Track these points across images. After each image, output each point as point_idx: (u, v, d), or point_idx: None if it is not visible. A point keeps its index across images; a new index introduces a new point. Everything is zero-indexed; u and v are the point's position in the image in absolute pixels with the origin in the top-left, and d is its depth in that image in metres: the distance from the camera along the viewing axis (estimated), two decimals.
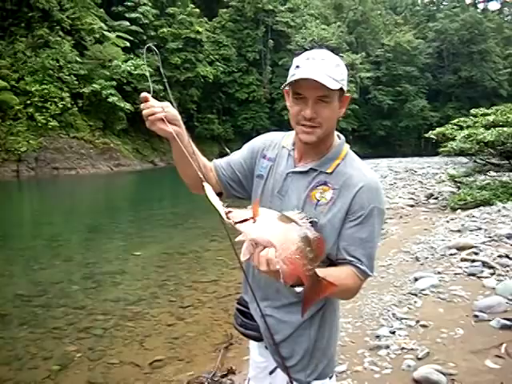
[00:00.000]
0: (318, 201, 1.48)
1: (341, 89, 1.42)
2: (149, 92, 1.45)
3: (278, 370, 1.62)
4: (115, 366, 3.99)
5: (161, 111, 1.42)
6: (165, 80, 1.55)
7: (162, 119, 1.42)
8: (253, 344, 1.75)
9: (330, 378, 1.62)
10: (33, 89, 27.67)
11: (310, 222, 1.36)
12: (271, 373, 1.66)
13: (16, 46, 28.81)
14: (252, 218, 1.27)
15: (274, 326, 1.57)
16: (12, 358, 4.13)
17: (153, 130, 1.45)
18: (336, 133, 1.58)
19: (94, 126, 31.62)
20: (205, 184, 1.40)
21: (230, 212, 1.30)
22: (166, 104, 1.45)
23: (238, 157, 1.71)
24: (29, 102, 27.62)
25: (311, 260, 1.24)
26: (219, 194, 1.49)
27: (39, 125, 27.31)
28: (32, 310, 5.34)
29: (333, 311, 1.61)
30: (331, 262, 1.47)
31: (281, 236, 1.24)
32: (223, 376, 3.65)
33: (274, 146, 1.66)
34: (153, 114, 1.42)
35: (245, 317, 1.69)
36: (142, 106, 1.43)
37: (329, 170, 1.50)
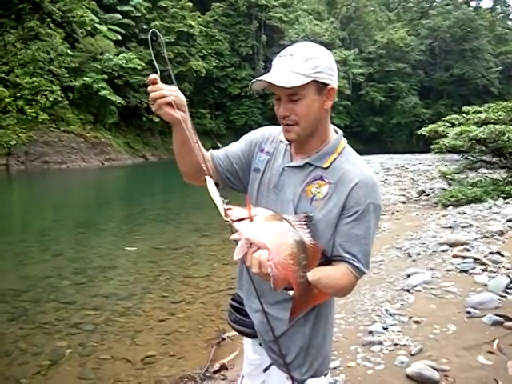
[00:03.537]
0: (314, 196, 1.44)
1: (315, 81, 1.36)
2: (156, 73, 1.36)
3: (273, 367, 1.60)
4: (106, 361, 3.95)
5: (170, 95, 1.36)
6: (169, 67, 1.47)
7: (170, 103, 1.36)
8: (247, 341, 1.72)
9: (325, 375, 1.60)
10: (23, 81, 27.40)
11: (306, 217, 1.34)
12: (265, 370, 1.64)
13: (6, 38, 28.51)
14: (250, 217, 1.25)
15: (270, 323, 1.55)
16: (1, 354, 4.07)
17: (158, 114, 1.38)
18: (333, 127, 1.55)
19: (85, 120, 31.40)
20: (207, 178, 1.37)
21: (229, 209, 1.28)
22: (174, 88, 1.39)
23: (235, 149, 1.66)
24: (19, 94, 27.36)
25: (304, 267, 1.22)
26: (216, 185, 1.45)
27: (29, 118, 27.07)
28: (21, 305, 5.28)
29: (328, 308, 1.58)
30: (326, 259, 1.45)
31: (276, 239, 1.22)
32: (216, 372, 3.63)
33: (272, 140, 1.63)
34: (162, 97, 1.35)
35: (239, 313, 1.67)
36: (150, 88, 1.36)
37: (325, 165, 1.47)
